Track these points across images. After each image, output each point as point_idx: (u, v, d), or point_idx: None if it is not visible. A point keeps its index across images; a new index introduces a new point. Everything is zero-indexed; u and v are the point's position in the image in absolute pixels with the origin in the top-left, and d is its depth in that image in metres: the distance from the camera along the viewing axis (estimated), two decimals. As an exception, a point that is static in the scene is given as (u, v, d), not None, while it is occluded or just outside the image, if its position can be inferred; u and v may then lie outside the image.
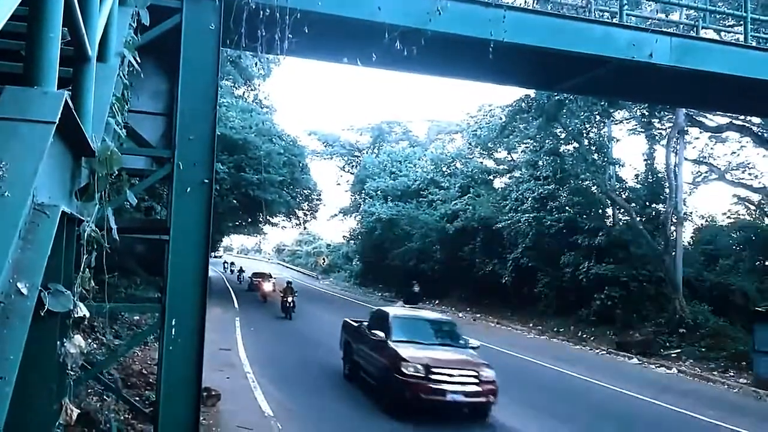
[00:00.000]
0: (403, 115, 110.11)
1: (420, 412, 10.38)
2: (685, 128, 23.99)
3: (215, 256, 69.45)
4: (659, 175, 25.75)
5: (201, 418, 7.32)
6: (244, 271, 48.67)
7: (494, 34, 8.01)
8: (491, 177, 39.15)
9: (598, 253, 25.57)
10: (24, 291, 1.85)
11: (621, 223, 27.31)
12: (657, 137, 25.92)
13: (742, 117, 21.90)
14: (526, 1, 11.13)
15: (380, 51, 7.92)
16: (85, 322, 3.14)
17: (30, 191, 1.98)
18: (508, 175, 37.01)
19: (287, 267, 78.39)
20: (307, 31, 7.25)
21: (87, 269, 3.36)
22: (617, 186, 27.44)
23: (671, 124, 23.94)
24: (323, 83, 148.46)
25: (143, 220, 15.05)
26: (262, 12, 7.05)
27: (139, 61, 5.05)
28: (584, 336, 23.92)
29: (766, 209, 28.20)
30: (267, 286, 33.60)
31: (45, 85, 2.35)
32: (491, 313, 30.98)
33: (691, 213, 27.87)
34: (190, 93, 6.82)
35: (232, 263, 62.20)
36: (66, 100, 2.32)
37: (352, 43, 8.47)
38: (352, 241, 56.71)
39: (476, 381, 10.35)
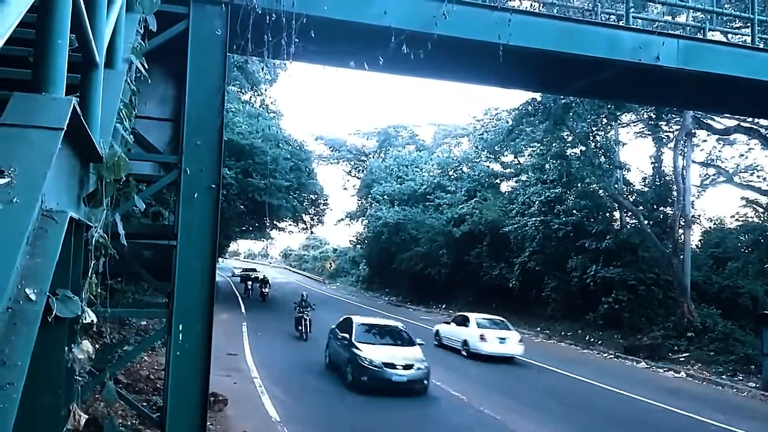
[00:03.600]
0: (410, 120, 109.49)
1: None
2: (693, 131, 23.88)
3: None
4: (667, 178, 25.65)
5: (208, 423, 7.32)
6: (313, 309, 21.53)
7: (500, 37, 7.98)
8: (498, 180, 39.13)
9: (606, 257, 25.45)
10: (32, 297, 1.85)
11: (628, 227, 27.15)
12: (664, 140, 25.81)
13: (750, 119, 21.78)
14: (532, 5, 11.11)
15: (387, 55, 7.91)
16: (93, 328, 3.14)
17: (38, 197, 1.99)
18: (514, 179, 36.97)
19: (294, 272, 78.38)
20: (313, 35, 7.25)
21: (95, 275, 3.36)
22: (624, 189, 27.33)
23: (678, 127, 23.85)
24: (330, 88, 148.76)
25: (151, 225, 15.10)
26: (268, 17, 7.07)
27: (146, 67, 5.07)
28: (592, 340, 23.80)
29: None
30: None
31: (53, 92, 2.36)
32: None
33: (699, 216, 27.75)
34: (197, 98, 6.84)
35: (265, 281, 36.69)
36: (74, 107, 2.32)
37: (358, 47, 8.45)
38: (359, 246, 56.67)
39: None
